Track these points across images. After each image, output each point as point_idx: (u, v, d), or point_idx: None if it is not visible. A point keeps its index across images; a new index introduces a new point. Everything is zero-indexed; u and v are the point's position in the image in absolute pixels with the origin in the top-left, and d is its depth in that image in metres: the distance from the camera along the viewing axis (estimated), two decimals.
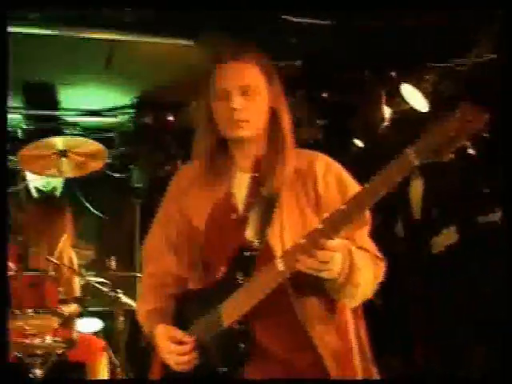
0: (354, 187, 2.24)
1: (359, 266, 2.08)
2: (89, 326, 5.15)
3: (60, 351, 4.05)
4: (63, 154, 4.14)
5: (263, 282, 2.08)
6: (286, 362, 2.16)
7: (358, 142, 5.00)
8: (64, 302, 4.20)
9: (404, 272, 4.81)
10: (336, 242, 1.98)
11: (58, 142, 4.17)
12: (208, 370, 2.21)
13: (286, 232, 2.17)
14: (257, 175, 2.28)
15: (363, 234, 2.23)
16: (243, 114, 2.20)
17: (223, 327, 2.15)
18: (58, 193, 5.67)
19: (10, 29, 3.69)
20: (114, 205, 6.02)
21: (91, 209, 5.79)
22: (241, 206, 2.26)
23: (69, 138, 4.25)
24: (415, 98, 4.54)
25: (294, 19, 3.96)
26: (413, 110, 4.57)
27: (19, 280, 3.90)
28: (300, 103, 4.79)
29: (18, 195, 5.41)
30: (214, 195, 2.28)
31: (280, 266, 2.04)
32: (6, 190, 2.43)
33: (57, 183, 5.64)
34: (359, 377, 2.18)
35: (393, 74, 4.54)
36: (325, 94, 4.81)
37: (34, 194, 5.64)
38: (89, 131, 5.56)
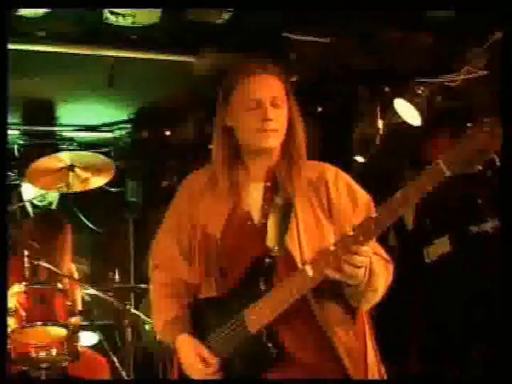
0: (362, 195, 2.37)
1: (377, 272, 2.17)
2: (86, 339, 5.16)
3: (64, 364, 4.08)
4: (71, 168, 4.21)
5: (291, 289, 2.14)
6: (309, 365, 2.22)
7: (359, 158, 5.11)
8: (70, 314, 4.23)
9: (397, 281, 4.90)
10: (368, 248, 2.06)
11: (65, 156, 4.24)
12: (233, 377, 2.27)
13: (302, 239, 2.24)
14: (269, 184, 2.36)
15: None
16: (273, 124, 2.27)
17: (250, 334, 2.20)
18: (53, 207, 5.68)
19: (11, 46, 3.73)
20: (109, 219, 6.02)
21: (87, 223, 5.79)
22: (256, 214, 2.33)
23: (76, 152, 4.30)
24: (408, 113, 4.67)
25: (295, 37, 4.06)
26: (406, 124, 4.70)
27: (28, 294, 3.91)
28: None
29: (14, 213, 5.41)
30: (228, 203, 2.34)
31: (310, 272, 2.11)
32: (5, 203, 2.46)
33: (52, 198, 5.65)
34: (375, 376, 2.26)
35: (386, 88, 4.66)
36: (320, 109, 4.91)
37: (30, 210, 5.64)
38: (85, 146, 5.58)
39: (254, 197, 2.36)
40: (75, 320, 4.32)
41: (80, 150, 5.24)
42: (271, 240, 2.26)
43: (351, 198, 2.33)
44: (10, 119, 5.24)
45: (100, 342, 5.11)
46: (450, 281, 4.74)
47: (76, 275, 4.77)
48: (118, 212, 5.90)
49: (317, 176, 2.36)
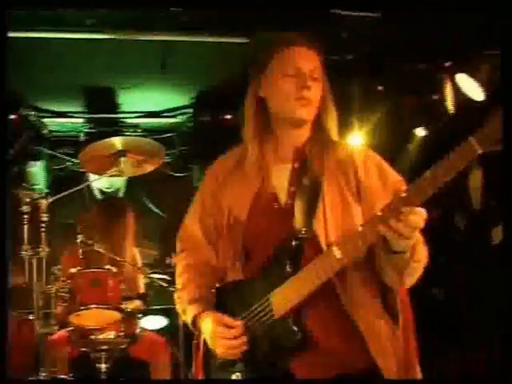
0: (393, 176, 2.28)
1: (420, 241, 2.10)
2: (153, 323, 5.25)
3: (123, 346, 4.17)
4: (122, 153, 4.23)
5: (318, 271, 2.09)
6: (333, 351, 2.16)
7: (419, 131, 4.98)
8: (127, 298, 4.31)
9: (464, 263, 4.74)
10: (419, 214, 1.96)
11: (117, 142, 4.26)
12: (257, 360, 2.23)
13: (329, 221, 2.19)
14: (297, 166, 2.31)
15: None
16: (311, 95, 2.24)
17: (274, 318, 2.16)
18: (121, 194, 5.80)
19: (64, 35, 3.79)
20: (175, 204, 6.08)
21: (154, 209, 5.87)
22: (283, 196, 2.28)
23: (127, 137, 4.33)
24: (470, 88, 4.49)
25: (342, 12, 3.95)
26: (469, 99, 4.52)
27: (82, 277, 4.00)
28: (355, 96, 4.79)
29: (82, 196, 5.57)
30: (254, 186, 2.31)
31: (337, 253, 2.05)
32: (6, 195, 2.49)
33: (120, 184, 5.76)
34: (406, 368, 2.12)
35: (447, 64, 4.48)
36: (380, 87, 4.77)
37: (98, 195, 5.78)
38: (149, 132, 5.64)
39: (280, 178, 2.32)
40: (135, 304, 4.40)
41: (145, 136, 5.28)
42: (299, 222, 2.21)
43: (381, 179, 2.26)
44: (73, 108, 5.39)
45: (169, 325, 5.23)
46: None
47: (139, 259, 4.87)
48: (186, 197, 5.93)
49: (346, 156, 2.30)
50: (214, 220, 2.39)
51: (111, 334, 4.09)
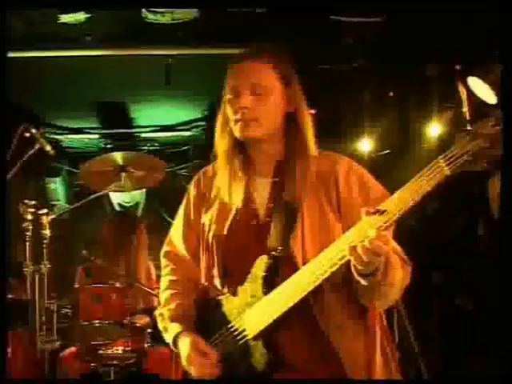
0: (376, 189, 2.18)
1: (394, 265, 1.99)
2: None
3: (131, 361, 4.15)
4: (122, 169, 4.22)
5: (290, 292, 2.03)
6: (308, 372, 2.09)
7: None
8: (136, 313, 4.30)
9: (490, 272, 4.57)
10: (389, 236, 1.91)
11: (117, 157, 4.26)
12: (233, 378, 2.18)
13: (306, 240, 2.11)
14: (277, 180, 2.23)
15: (390, 235, 2.11)
16: (252, 113, 2.15)
17: (248, 338, 2.11)
18: (140, 207, 5.82)
19: (61, 53, 3.82)
20: None
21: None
22: (262, 212, 2.21)
23: (128, 152, 4.31)
24: (483, 91, 4.34)
25: (342, 19, 3.86)
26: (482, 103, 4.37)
27: (87, 292, 4.01)
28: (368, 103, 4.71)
29: (104, 211, 5.62)
30: (234, 200, 2.23)
31: (306, 275, 2.00)
32: (5, 198, 2.48)
33: (139, 198, 5.79)
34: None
35: (457, 67, 4.34)
36: (391, 94, 4.67)
37: (117, 207, 5.81)
38: (165, 146, 5.66)
39: (261, 193, 2.24)
40: (144, 319, 4.38)
41: (161, 150, 5.30)
42: (275, 240, 2.14)
43: (363, 193, 2.16)
44: (88, 124, 5.45)
45: None
46: None
47: (154, 272, 4.85)
48: None
49: (327, 168, 2.20)
50: (196, 234, 2.33)
51: (119, 349, 4.08)
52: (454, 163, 1.75)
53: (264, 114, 2.17)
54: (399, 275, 2.03)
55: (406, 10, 3.94)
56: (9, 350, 3.71)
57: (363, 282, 1.97)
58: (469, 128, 1.74)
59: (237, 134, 2.18)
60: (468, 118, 4.50)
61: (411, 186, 1.83)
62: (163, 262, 2.48)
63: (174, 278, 2.41)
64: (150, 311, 4.51)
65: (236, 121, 2.17)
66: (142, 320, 4.34)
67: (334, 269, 1.95)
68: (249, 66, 2.19)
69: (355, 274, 1.96)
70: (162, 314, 2.39)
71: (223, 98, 2.26)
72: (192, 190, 2.40)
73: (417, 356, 4.77)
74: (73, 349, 4.21)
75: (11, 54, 4.04)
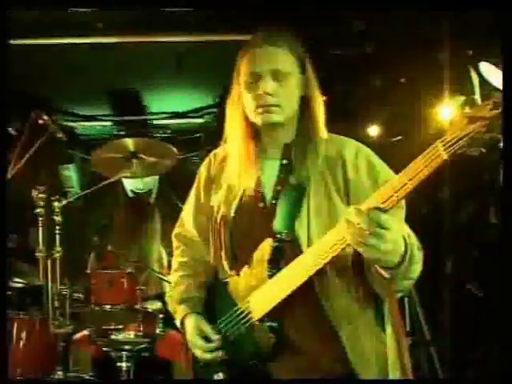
0: (385, 172, 2.18)
1: (417, 260, 1.98)
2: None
3: (143, 346, 4.18)
4: (134, 155, 4.19)
5: (293, 275, 2.04)
6: (312, 358, 2.12)
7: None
8: (148, 299, 4.33)
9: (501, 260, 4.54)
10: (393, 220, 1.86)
11: (129, 143, 4.21)
12: (236, 364, 2.22)
13: (312, 225, 2.11)
14: (286, 162, 2.24)
15: (403, 219, 2.13)
16: (274, 98, 2.16)
17: (253, 320, 2.14)
18: (154, 194, 5.82)
19: (73, 40, 3.83)
20: None
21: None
22: (269, 195, 2.22)
23: (139, 139, 4.28)
24: (495, 77, 4.31)
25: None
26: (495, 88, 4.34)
27: (98, 278, 4.04)
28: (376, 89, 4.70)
29: (117, 197, 5.62)
30: (243, 183, 2.25)
31: (309, 258, 2.01)
32: (5, 194, 2.50)
33: (153, 185, 5.78)
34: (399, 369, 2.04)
35: (470, 52, 4.32)
36: (402, 80, 4.65)
37: (130, 193, 5.80)
38: (178, 133, 5.67)
39: (269, 176, 2.25)
40: (156, 305, 4.41)
41: (173, 137, 5.30)
42: (280, 223, 2.15)
43: (371, 177, 2.16)
44: (101, 111, 5.47)
45: None
46: None
47: (166, 259, 4.87)
48: None
49: (335, 152, 2.21)
50: (206, 216, 2.35)
51: (131, 334, 4.11)
52: (452, 147, 1.72)
53: (285, 100, 2.18)
54: (420, 269, 2.02)
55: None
56: (23, 335, 3.76)
57: (386, 274, 1.96)
58: (467, 111, 1.70)
59: (258, 119, 2.18)
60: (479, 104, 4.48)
61: (409, 170, 1.80)
62: (174, 242, 2.52)
63: (184, 259, 2.46)
64: (161, 297, 4.54)
65: (258, 106, 2.16)
66: (153, 305, 4.36)
67: (334, 251, 1.95)
68: (268, 52, 2.18)
69: (377, 267, 1.95)
70: (171, 296, 2.44)
71: (234, 82, 2.26)
72: (202, 172, 2.42)
73: (428, 343, 4.78)
74: (86, 332, 4.25)
75: (24, 41, 4.07)
